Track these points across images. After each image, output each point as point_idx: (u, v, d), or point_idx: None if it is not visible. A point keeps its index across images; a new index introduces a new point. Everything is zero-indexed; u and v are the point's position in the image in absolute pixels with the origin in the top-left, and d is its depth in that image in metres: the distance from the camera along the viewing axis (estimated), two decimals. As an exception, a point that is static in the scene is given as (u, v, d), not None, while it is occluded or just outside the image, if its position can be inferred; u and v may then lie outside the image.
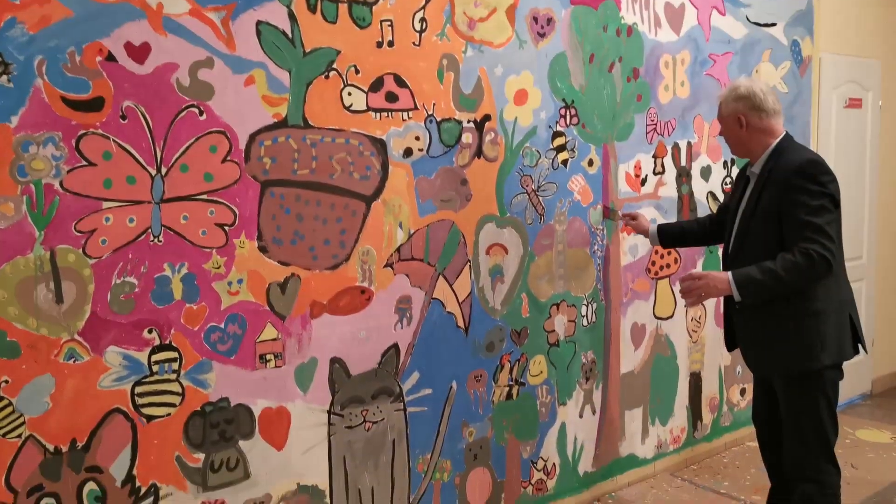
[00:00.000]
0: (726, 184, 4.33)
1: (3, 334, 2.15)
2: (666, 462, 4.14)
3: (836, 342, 2.79)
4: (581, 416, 3.71)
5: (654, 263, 3.98)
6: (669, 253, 4.06)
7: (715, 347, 4.36)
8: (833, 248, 2.66)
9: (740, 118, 2.90)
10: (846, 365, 2.89)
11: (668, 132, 3.99)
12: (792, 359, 2.80)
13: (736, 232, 2.97)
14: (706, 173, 4.22)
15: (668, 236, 3.46)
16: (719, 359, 4.40)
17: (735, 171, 4.37)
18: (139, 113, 2.36)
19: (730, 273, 2.75)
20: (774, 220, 2.78)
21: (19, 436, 2.20)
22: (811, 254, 2.64)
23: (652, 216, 3.95)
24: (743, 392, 4.54)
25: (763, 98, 2.88)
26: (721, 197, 4.31)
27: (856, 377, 5.32)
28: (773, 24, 4.50)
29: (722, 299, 3.21)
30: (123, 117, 2.33)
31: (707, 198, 4.23)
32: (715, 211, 3.73)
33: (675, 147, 4.04)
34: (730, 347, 3.13)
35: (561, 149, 3.51)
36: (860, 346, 2.91)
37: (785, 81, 4.60)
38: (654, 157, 3.94)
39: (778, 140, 2.90)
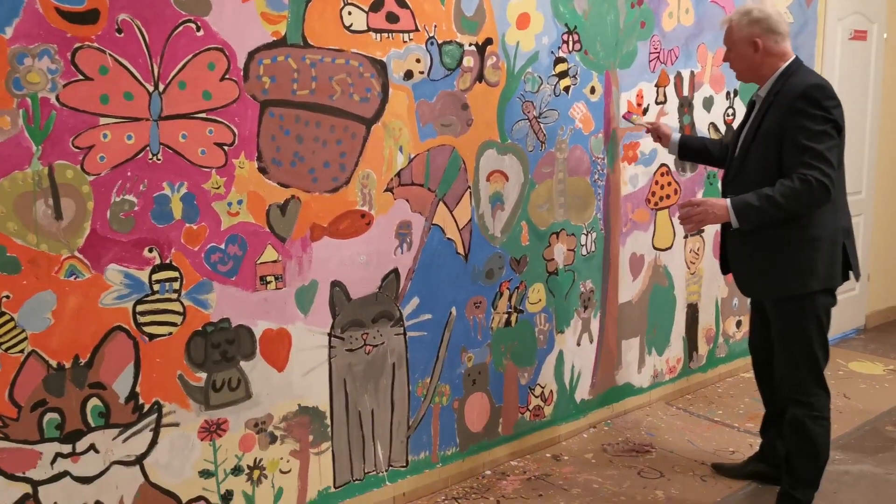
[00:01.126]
0: (728, 115, 4.29)
1: (3, 249, 2.14)
2: (661, 391, 4.19)
3: (827, 268, 2.80)
4: (579, 345, 3.74)
5: (653, 194, 3.97)
6: (669, 184, 4.04)
7: (712, 279, 4.38)
8: (833, 175, 2.65)
9: (756, 42, 2.85)
10: (841, 299, 2.92)
11: (671, 61, 3.93)
12: (783, 283, 2.82)
13: (737, 155, 2.95)
14: (708, 104, 4.17)
15: (689, 150, 3.39)
16: (716, 291, 4.43)
17: (738, 103, 4.33)
18: (135, 27, 2.31)
19: (728, 200, 2.75)
20: (775, 144, 2.76)
21: (21, 351, 2.20)
22: (810, 180, 2.63)
23: (653, 147, 3.92)
24: (739, 324, 4.57)
25: (778, 20, 2.85)
26: (723, 129, 4.28)
27: (850, 311, 5.37)
28: (781, -48, 4.40)
29: (720, 226, 3.21)
30: (119, 31, 2.28)
31: (709, 129, 4.20)
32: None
33: (678, 76, 3.99)
34: (724, 270, 3.14)
35: (563, 75, 3.46)
36: (852, 273, 2.90)
37: (791, 11, 4.52)
38: (657, 86, 3.89)
39: (787, 63, 2.86)
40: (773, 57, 2.86)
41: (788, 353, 2.89)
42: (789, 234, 2.77)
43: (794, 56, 2.88)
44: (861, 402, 4.19)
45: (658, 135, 3.44)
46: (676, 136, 3.39)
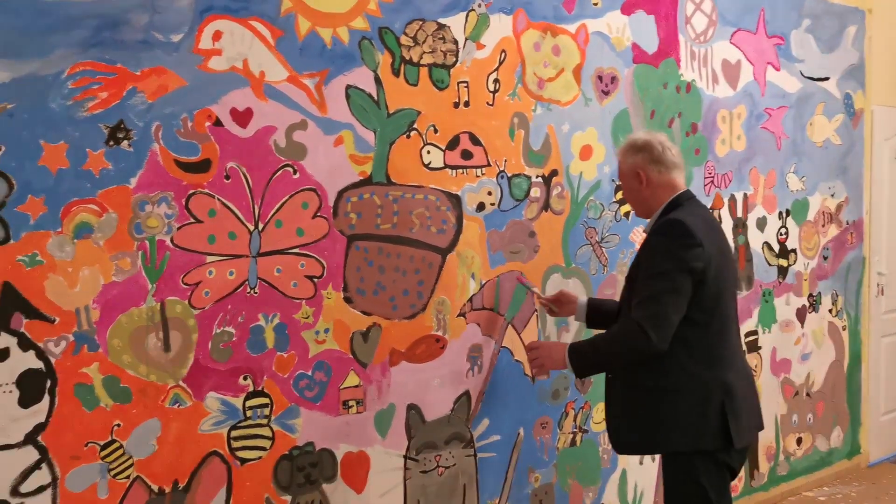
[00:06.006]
0: (781, 234, 4.40)
1: (117, 380, 2.31)
2: (724, 510, 4.16)
3: (694, 427, 2.44)
4: (641, 464, 3.77)
5: (711, 313, 4.05)
6: (726, 302, 4.12)
7: (771, 396, 4.39)
8: (658, 321, 2.35)
9: (640, 173, 2.61)
10: None
11: (724, 184, 4.09)
12: (643, 437, 2.54)
13: (621, 298, 2.72)
14: (762, 224, 4.30)
15: (598, 311, 2.99)
16: (775, 407, 4.44)
17: (791, 223, 4.45)
18: (241, 173, 2.53)
19: (568, 344, 2.59)
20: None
21: (128, 477, 2.34)
22: (631, 324, 2.40)
23: (709, 266, 4.03)
24: (799, 441, 4.56)
25: (661, 150, 2.61)
26: (776, 247, 4.38)
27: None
28: (827, 79, 4.60)
29: None
30: (227, 177, 2.50)
31: (763, 248, 4.31)
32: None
33: (732, 199, 4.14)
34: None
35: (623, 202, 3.62)
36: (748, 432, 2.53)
37: (838, 133, 4.69)
38: (712, 208, 4.04)
39: (675, 196, 2.60)
40: (659, 189, 2.60)
41: None
42: (657, 381, 2.47)
43: (684, 188, 2.64)
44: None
45: (560, 304, 3.07)
46: (584, 299, 3.05)
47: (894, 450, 5.21)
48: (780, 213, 4.41)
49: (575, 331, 3.46)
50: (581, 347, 2.57)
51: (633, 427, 2.53)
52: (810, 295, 4.59)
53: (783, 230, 4.42)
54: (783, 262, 4.43)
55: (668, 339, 2.37)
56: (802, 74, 4.45)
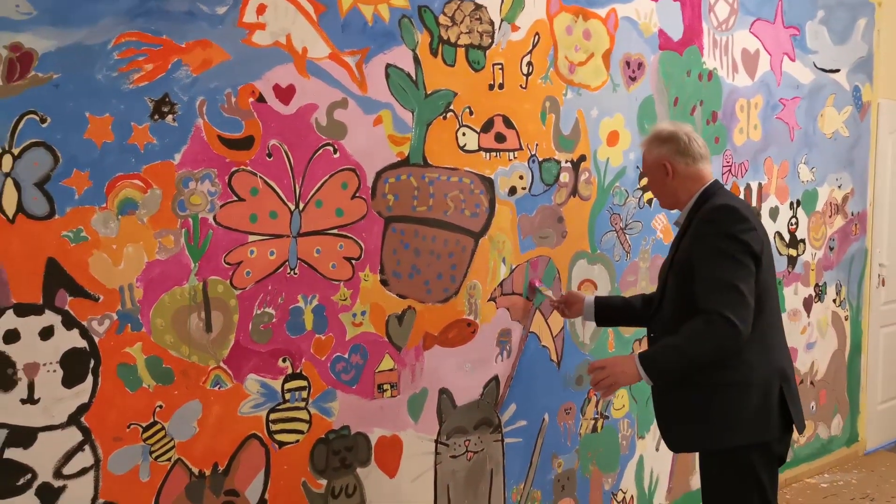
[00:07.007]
0: (791, 224, 4.43)
1: (160, 361, 2.25)
2: (733, 497, 4.20)
3: (757, 418, 2.38)
4: (657, 450, 3.78)
5: (726, 301, 4.07)
6: (739, 291, 4.14)
7: (778, 384, 4.43)
8: (743, 309, 2.27)
9: (665, 165, 2.57)
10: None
11: (741, 173, 4.10)
12: (698, 434, 2.46)
13: (657, 290, 2.66)
14: (774, 213, 4.32)
15: (608, 308, 2.98)
16: (782, 395, 4.47)
17: (801, 213, 4.47)
18: (283, 151, 2.47)
19: (637, 355, 2.41)
20: (686, 275, 2.42)
21: (169, 459, 2.28)
22: (712, 318, 2.28)
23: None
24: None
25: (687, 142, 2.57)
26: (787, 237, 4.41)
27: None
28: (837, 71, 4.62)
29: None
30: (269, 155, 2.44)
31: (774, 237, 4.33)
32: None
33: (748, 188, 4.15)
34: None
35: (647, 188, 3.61)
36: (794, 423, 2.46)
37: (846, 125, 4.72)
38: (729, 197, 4.04)
39: (705, 186, 2.56)
40: (687, 181, 2.57)
41: None
42: (715, 375, 2.38)
43: (712, 179, 2.60)
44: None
45: (568, 305, 3.06)
46: (590, 298, 3.00)
47: (891, 438, 5.30)
48: (792, 204, 4.43)
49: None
50: (656, 354, 2.40)
51: (692, 424, 2.44)
52: (816, 285, 4.63)
53: (794, 220, 4.44)
54: (793, 252, 4.46)
55: (751, 327, 2.29)
56: (815, 66, 4.47)
